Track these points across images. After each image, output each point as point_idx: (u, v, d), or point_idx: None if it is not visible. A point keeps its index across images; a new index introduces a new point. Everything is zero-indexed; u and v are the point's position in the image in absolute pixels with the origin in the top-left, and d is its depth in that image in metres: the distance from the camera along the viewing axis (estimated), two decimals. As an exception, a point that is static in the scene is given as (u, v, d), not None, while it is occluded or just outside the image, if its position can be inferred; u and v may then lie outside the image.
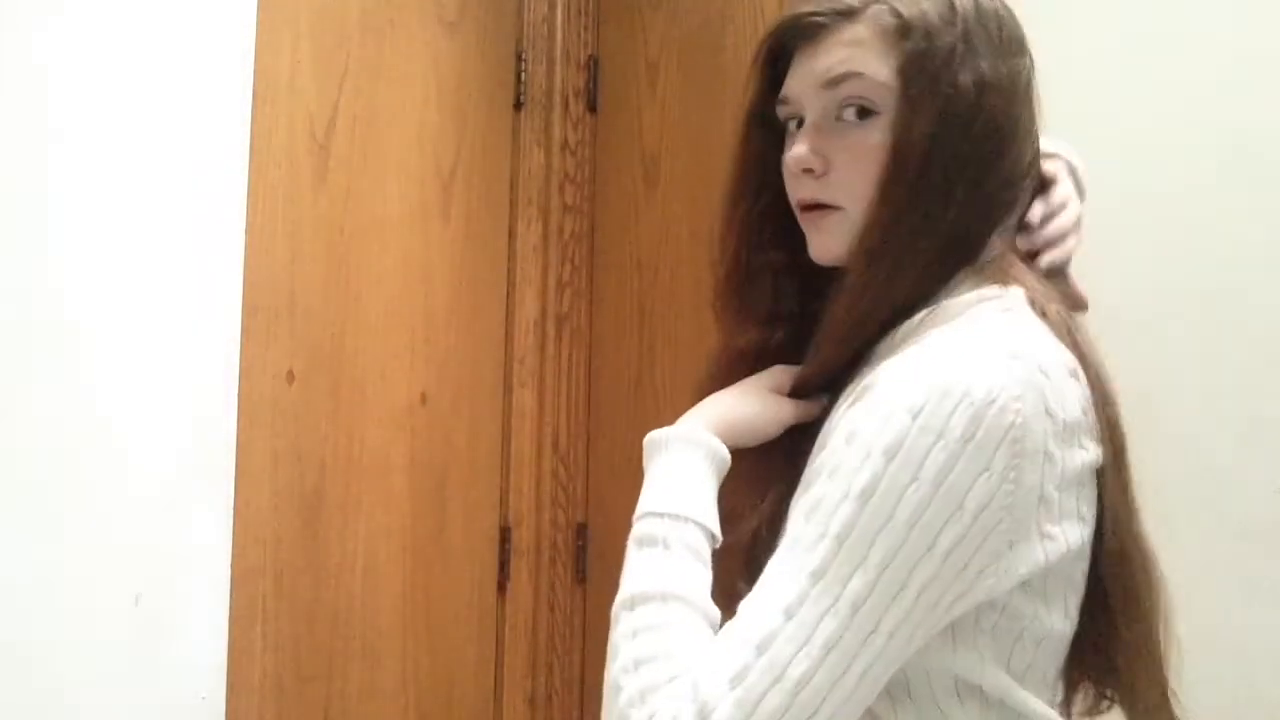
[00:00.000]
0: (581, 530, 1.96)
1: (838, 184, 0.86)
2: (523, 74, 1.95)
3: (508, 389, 1.91)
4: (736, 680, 0.69)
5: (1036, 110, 0.89)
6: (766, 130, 0.93)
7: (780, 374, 0.92)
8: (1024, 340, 0.78)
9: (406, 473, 1.72)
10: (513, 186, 1.94)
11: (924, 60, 0.83)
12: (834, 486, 0.73)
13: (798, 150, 0.86)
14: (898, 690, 0.76)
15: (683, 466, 0.83)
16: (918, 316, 0.83)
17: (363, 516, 1.64)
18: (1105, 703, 0.88)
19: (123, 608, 1.30)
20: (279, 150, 1.51)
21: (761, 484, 0.86)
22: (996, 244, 0.86)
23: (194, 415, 1.39)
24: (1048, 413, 0.75)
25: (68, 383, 1.25)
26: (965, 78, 0.82)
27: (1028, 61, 0.88)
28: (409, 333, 1.73)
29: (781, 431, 0.89)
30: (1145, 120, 1.39)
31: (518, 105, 1.95)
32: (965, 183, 0.83)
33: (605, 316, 1.99)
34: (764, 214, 0.94)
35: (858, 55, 0.84)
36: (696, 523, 0.80)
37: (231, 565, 1.43)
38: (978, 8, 0.85)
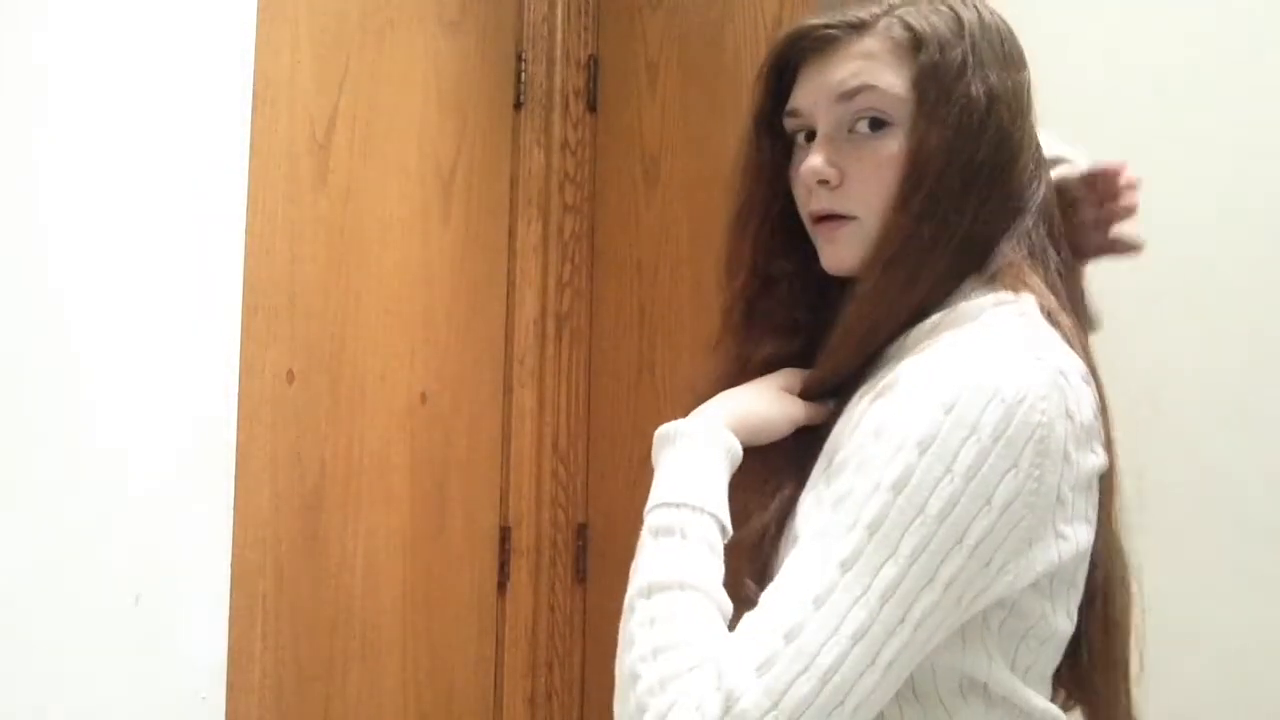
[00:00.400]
0: (581, 530, 1.96)
1: (853, 195, 0.87)
2: (523, 74, 1.95)
3: (508, 389, 1.91)
4: (764, 668, 0.69)
5: (1036, 122, 0.91)
6: (774, 141, 0.93)
7: (792, 375, 0.93)
8: (1044, 344, 0.80)
9: (406, 473, 1.72)
10: (513, 186, 1.94)
11: (937, 72, 0.84)
12: (863, 478, 0.74)
13: (813, 162, 0.87)
14: (903, 688, 0.76)
15: (698, 459, 0.84)
16: (930, 321, 0.85)
17: (363, 516, 1.64)
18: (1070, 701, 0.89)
19: (123, 608, 1.30)
20: (279, 150, 1.51)
21: (770, 482, 0.87)
22: (1005, 252, 0.87)
23: (194, 415, 1.39)
24: (1068, 415, 0.76)
25: (67, 382, 1.25)
26: (977, 89, 0.84)
27: (1028, 74, 0.90)
28: (409, 333, 1.73)
29: (793, 430, 0.89)
30: (1145, 119, 1.39)
31: (518, 105, 1.95)
32: (978, 191, 0.85)
33: (605, 316, 1.99)
34: (775, 225, 0.94)
35: (871, 68, 0.86)
36: (711, 515, 0.81)
37: (231, 565, 1.43)
38: (981, 22, 0.87)
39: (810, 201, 0.89)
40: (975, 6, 0.88)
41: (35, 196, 1.23)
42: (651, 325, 1.92)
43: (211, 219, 1.42)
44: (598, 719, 1.90)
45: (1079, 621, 0.84)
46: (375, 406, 1.66)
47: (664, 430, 0.87)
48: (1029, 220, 0.88)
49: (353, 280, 1.63)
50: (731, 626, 0.75)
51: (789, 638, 0.70)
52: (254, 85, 1.47)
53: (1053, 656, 0.84)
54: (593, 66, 2.02)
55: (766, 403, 0.89)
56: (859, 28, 0.87)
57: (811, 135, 0.89)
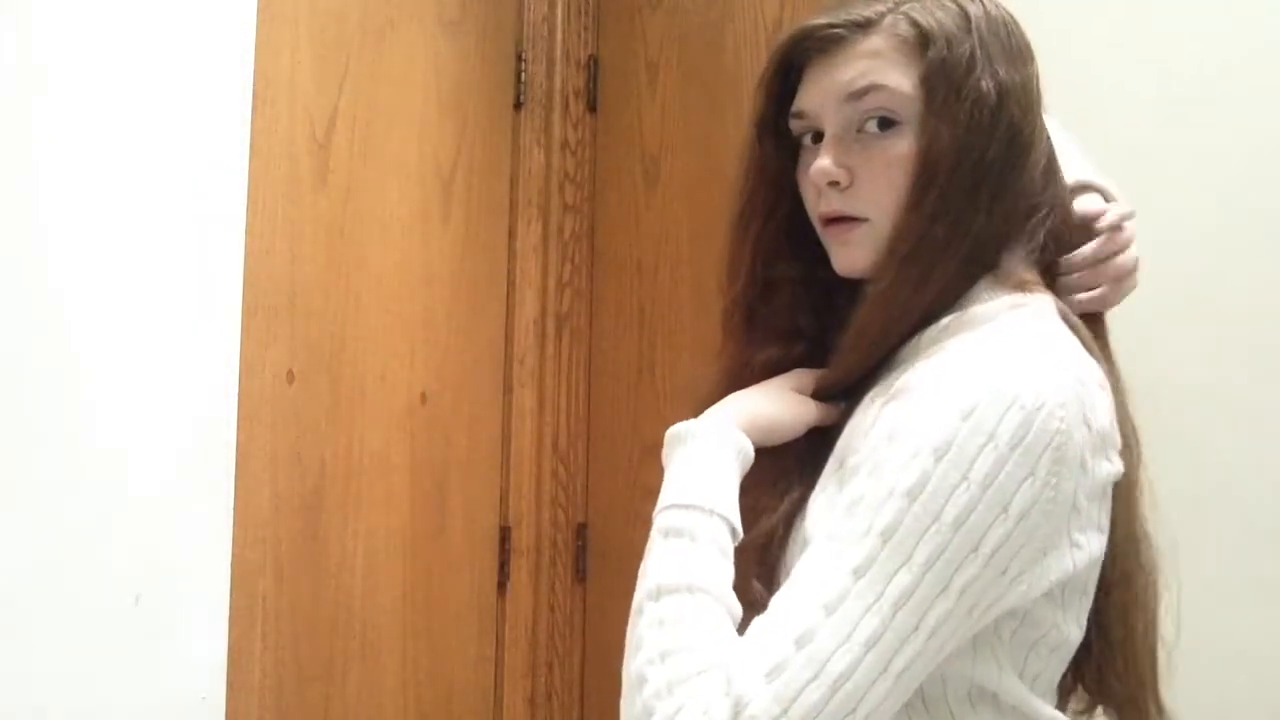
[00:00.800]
0: (581, 530, 1.96)
1: (864, 196, 0.85)
2: (523, 74, 1.95)
3: (508, 389, 1.91)
4: (774, 674, 0.68)
5: (1045, 117, 0.89)
6: (778, 142, 0.92)
7: (802, 376, 0.91)
8: (1062, 349, 0.79)
9: (406, 473, 1.72)
10: (513, 186, 1.94)
11: (946, 69, 0.83)
12: (877, 484, 0.73)
13: (822, 164, 0.85)
14: (912, 697, 0.75)
15: (709, 460, 0.83)
16: (942, 322, 0.84)
17: (363, 516, 1.64)
18: (1099, 708, 0.88)
19: (123, 608, 1.30)
20: (279, 150, 1.51)
21: (780, 484, 0.86)
22: (1018, 252, 0.86)
23: (194, 415, 1.39)
24: (1085, 422, 0.75)
25: (67, 382, 1.25)
26: (986, 84, 0.82)
27: (1036, 69, 0.88)
28: (409, 333, 1.73)
29: (804, 432, 0.88)
30: (1144, 119, 1.39)
31: (518, 105, 1.95)
32: (990, 189, 0.83)
33: (605, 316, 1.99)
34: (779, 228, 0.93)
35: (878, 67, 0.84)
36: (722, 517, 0.80)
37: (231, 565, 1.42)
38: (988, 15, 0.85)
39: (820, 203, 0.88)
40: (980, 0, 0.86)
41: (35, 196, 1.23)
42: (651, 325, 1.92)
43: (211, 219, 1.42)
44: (597, 719, 1.90)
45: (1100, 624, 0.83)
46: (375, 406, 1.66)
47: (675, 430, 0.85)
48: (1042, 218, 0.87)
49: (353, 280, 1.63)
50: (740, 630, 0.74)
51: (800, 644, 0.68)
52: (254, 85, 1.47)
53: (1061, 665, 0.83)
54: (593, 66, 2.02)
55: (778, 403, 0.88)
56: (864, 26, 0.85)
57: (818, 136, 0.88)
